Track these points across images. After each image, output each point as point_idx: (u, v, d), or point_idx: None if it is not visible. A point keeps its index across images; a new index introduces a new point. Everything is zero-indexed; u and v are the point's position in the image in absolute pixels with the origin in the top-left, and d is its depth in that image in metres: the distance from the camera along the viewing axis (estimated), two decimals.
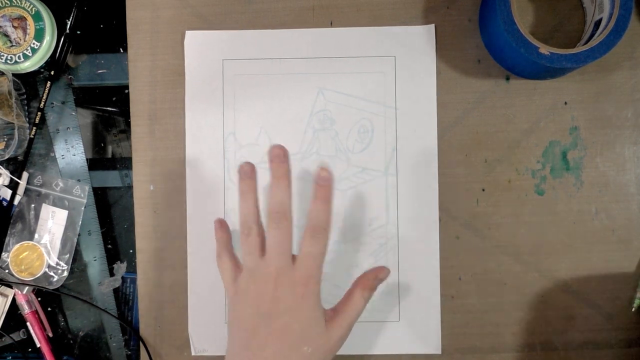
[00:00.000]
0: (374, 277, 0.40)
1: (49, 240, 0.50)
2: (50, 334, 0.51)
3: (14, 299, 0.51)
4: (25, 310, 0.50)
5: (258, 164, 0.47)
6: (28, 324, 0.50)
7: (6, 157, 0.49)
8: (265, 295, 0.37)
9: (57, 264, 0.50)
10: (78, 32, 0.51)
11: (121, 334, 0.51)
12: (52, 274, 0.50)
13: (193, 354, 0.49)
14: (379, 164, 0.49)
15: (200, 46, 0.49)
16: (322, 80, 0.49)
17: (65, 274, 0.50)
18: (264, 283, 0.37)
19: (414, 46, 0.49)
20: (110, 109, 0.51)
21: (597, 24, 0.45)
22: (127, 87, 0.50)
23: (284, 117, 0.49)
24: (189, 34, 0.49)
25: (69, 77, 0.51)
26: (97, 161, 0.51)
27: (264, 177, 0.47)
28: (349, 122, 0.49)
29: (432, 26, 0.49)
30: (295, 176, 0.48)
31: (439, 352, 0.48)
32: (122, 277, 0.51)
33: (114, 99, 0.51)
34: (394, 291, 0.49)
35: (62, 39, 0.50)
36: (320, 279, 0.38)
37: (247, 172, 0.41)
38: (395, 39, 0.49)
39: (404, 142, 0.49)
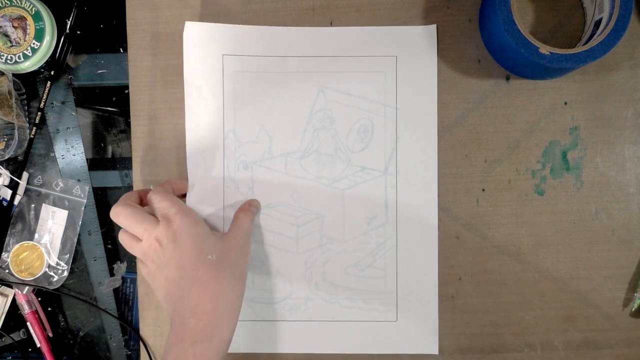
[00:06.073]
0: (249, 205, 0.48)
1: (49, 240, 0.50)
2: (50, 334, 0.51)
3: (14, 299, 0.51)
4: (25, 310, 0.50)
5: (257, 161, 0.49)
6: (28, 324, 0.50)
7: (6, 157, 0.49)
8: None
9: (57, 264, 0.50)
10: (78, 32, 0.51)
11: (121, 334, 0.51)
12: (52, 274, 0.50)
13: None
14: (378, 164, 0.49)
15: (200, 39, 0.48)
16: (323, 79, 0.49)
17: (65, 274, 0.50)
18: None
19: (416, 46, 0.48)
20: (110, 109, 0.51)
21: (597, 24, 0.45)
22: (127, 87, 0.50)
23: (284, 115, 0.49)
24: (188, 25, 0.48)
25: (69, 77, 0.51)
26: (97, 161, 0.51)
27: (262, 174, 0.49)
28: (349, 121, 0.49)
29: (434, 26, 0.48)
30: (294, 175, 0.49)
31: (435, 352, 0.48)
32: (122, 277, 0.51)
33: (114, 99, 0.51)
34: (392, 291, 0.49)
35: (62, 39, 0.50)
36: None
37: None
38: (397, 39, 0.48)
39: (404, 142, 0.48)
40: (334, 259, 0.49)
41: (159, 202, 0.44)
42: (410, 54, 0.48)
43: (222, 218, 0.49)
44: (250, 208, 0.48)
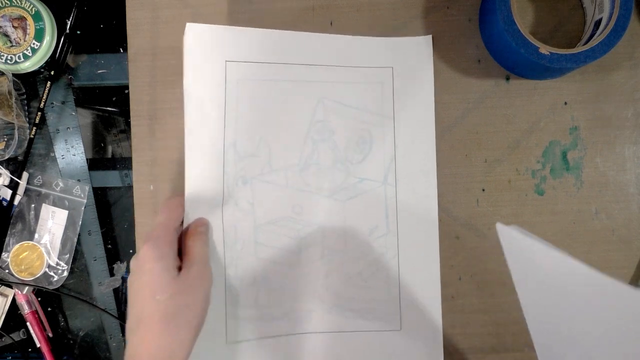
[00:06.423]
0: (196, 226, 0.44)
1: (49, 240, 0.50)
2: (50, 334, 0.51)
3: (14, 299, 0.51)
4: (25, 310, 0.50)
5: (257, 176, 0.47)
6: (28, 324, 0.50)
7: (6, 157, 0.49)
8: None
9: (57, 264, 0.50)
10: (78, 32, 0.51)
11: (121, 334, 0.51)
12: (52, 274, 0.50)
13: None
14: (377, 174, 0.48)
15: (202, 43, 0.45)
16: (323, 89, 0.47)
17: (65, 274, 0.50)
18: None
19: (411, 57, 0.48)
20: (110, 109, 0.51)
21: (597, 24, 0.45)
22: (127, 87, 0.50)
23: (284, 126, 0.47)
24: (189, 27, 0.45)
25: (69, 77, 0.51)
26: (97, 161, 0.51)
27: (262, 189, 0.47)
28: (348, 132, 0.48)
29: (430, 37, 0.48)
30: (295, 188, 0.47)
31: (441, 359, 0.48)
32: (122, 277, 0.51)
33: (114, 99, 0.51)
34: (395, 300, 0.48)
35: (62, 39, 0.50)
36: (164, 251, 0.41)
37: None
38: (393, 50, 0.48)
39: (402, 152, 0.48)
40: (336, 270, 0.48)
41: (159, 213, 0.43)
42: (406, 65, 0.48)
43: (222, 240, 0.46)
44: (198, 230, 0.44)
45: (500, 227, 0.35)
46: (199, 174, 0.46)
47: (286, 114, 0.47)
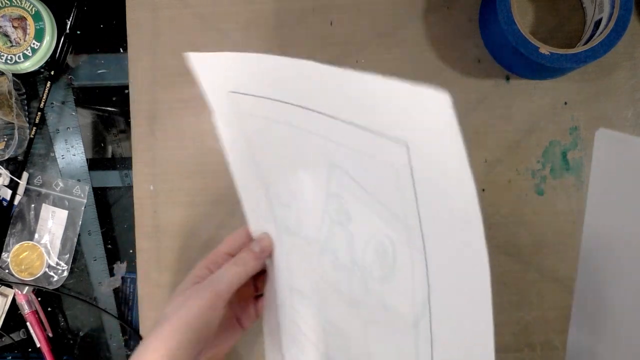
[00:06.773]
0: (252, 247, 0.40)
1: (49, 240, 0.50)
2: (50, 334, 0.51)
3: (14, 299, 0.51)
4: (25, 310, 0.50)
5: (291, 232, 0.38)
6: (28, 324, 0.50)
7: (6, 157, 0.49)
8: None
9: (57, 264, 0.50)
10: (78, 32, 0.51)
11: (121, 334, 0.51)
12: (52, 274, 0.50)
13: None
14: (405, 312, 0.31)
15: (204, 71, 0.37)
16: (331, 149, 0.31)
17: (65, 274, 0.50)
18: None
19: (431, 124, 0.25)
20: (110, 109, 0.51)
21: (597, 24, 0.45)
22: (127, 87, 0.50)
23: (300, 181, 0.35)
24: (189, 57, 0.36)
25: (69, 77, 0.51)
26: (97, 161, 0.51)
27: (291, 251, 0.39)
28: (366, 229, 0.31)
29: (447, 97, 0.24)
30: (315, 269, 0.37)
31: None
32: (122, 277, 0.51)
33: (114, 99, 0.51)
34: None
35: (62, 39, 0.50)
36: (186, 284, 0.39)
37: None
38: (406, 108, 0.25)
39: (439, 297, 0.29)
40: None
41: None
42: (426, 139, 0.26)
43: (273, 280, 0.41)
44: (245, 254, 0.39)
45: (602, 130, 0.31)
46: (254, 208, 0.41)
47: (299, 170, 0.34)
